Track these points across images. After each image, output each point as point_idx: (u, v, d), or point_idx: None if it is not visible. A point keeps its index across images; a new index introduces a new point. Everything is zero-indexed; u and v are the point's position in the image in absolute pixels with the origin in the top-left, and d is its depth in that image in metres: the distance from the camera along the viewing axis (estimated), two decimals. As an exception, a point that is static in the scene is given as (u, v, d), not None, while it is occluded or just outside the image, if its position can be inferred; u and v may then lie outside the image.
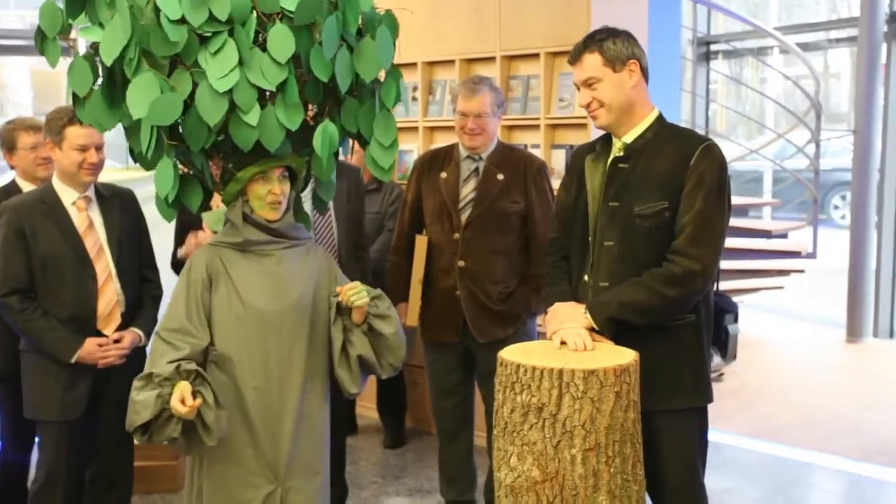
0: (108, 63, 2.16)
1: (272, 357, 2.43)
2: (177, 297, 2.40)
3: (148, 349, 2.48)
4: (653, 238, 2.34)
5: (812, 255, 6.60)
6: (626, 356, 2.19)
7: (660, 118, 2.44)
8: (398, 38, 2.42)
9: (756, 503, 3.87)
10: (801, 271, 6.82)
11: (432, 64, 4.65)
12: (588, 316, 2.32)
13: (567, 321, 2.33)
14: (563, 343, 2.30)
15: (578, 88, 2.43)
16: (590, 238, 2.44)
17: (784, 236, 6.58)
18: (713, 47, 8.77)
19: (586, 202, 2.46)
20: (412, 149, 4.74)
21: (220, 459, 2.42)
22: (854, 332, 6.74)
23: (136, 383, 2.23)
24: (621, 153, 2.42)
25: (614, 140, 2.45)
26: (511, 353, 2.25)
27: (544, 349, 2.30)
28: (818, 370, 6.08)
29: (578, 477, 2.09)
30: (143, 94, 2.12)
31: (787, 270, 6.80)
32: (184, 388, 2.16)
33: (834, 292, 7.41)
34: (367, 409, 4.87)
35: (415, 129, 4.70)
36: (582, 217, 2.47)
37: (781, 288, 7.08)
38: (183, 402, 2.14)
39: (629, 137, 2.41)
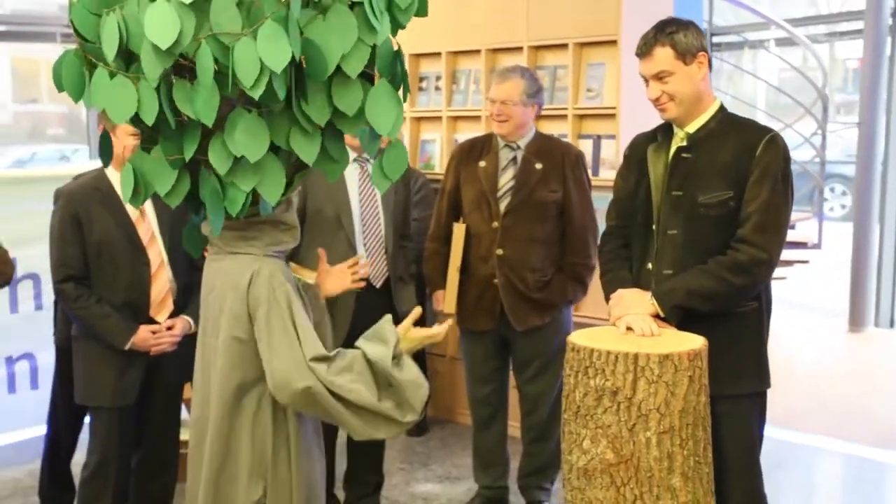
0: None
1: None
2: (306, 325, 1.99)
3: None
4: (717, 227, 2.38)
5: (817, 246, 6.68)
6: (697, 341, 2.23)
7: (722, 108, 2.47)
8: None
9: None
10: (806, 262, 6.90)
11: (456, 53, 4.66)
12: (654, 302, 2.36)
13: (633, 307, 2.37)
14: (628, 329, 2.34)
15: (647, 81, 2.45)
16: (653, 226, 2.47)
17: (792, 227, 6.65)
18: (715, 39, 8.83)
19: (648, 191, 2.49)
20: (435, 138, 4.76)
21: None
22: (856, 321, 6.87)
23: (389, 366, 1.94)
24: (684, 143, 2.45)
25: (676, 130, 2.48)
26: (581, 338, 2.28)
27: (611, 335, 2.33)
28: (821, 358, 6.19)
29: (653, 459, 2.13)
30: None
31: (790, 261, 6.87)
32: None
33: (834, 283, 7.52)
34: (389, 397, 4.90)
35: (438, 118, 4.72)
36: (644, 206, 2.51)
37: (784, 279, 7.16)
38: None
39: (692, 127, 2.44)
